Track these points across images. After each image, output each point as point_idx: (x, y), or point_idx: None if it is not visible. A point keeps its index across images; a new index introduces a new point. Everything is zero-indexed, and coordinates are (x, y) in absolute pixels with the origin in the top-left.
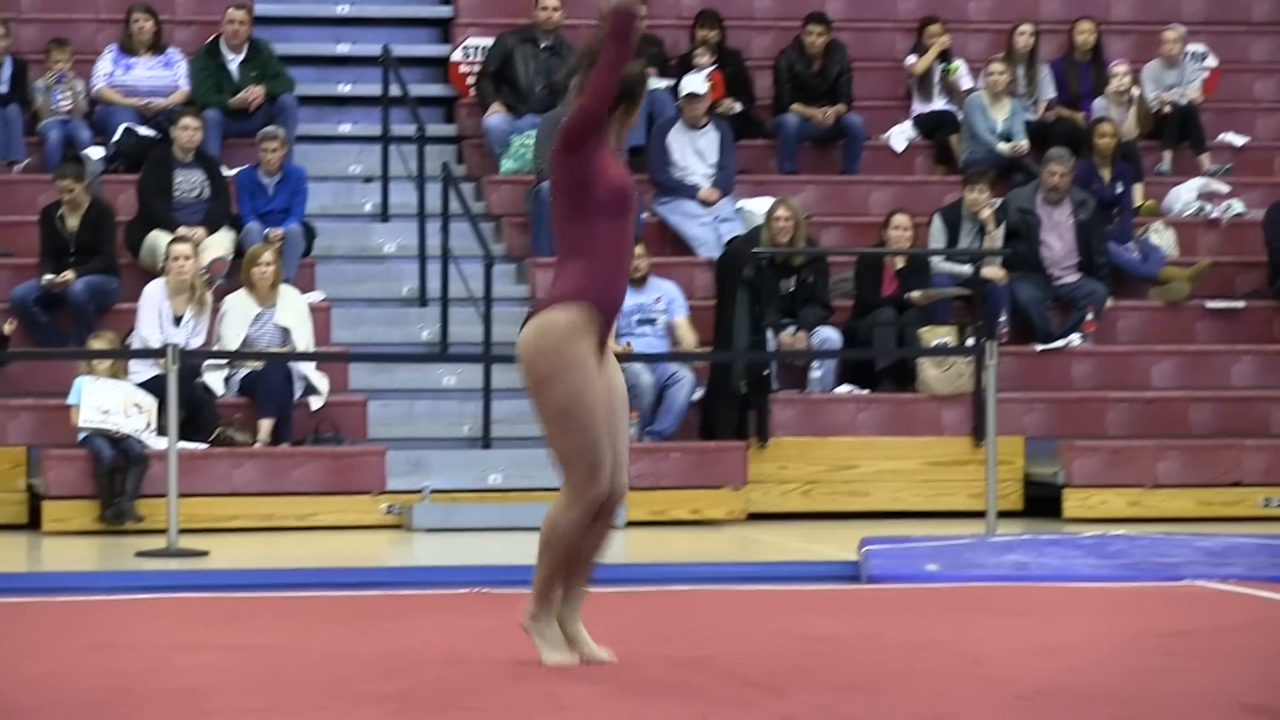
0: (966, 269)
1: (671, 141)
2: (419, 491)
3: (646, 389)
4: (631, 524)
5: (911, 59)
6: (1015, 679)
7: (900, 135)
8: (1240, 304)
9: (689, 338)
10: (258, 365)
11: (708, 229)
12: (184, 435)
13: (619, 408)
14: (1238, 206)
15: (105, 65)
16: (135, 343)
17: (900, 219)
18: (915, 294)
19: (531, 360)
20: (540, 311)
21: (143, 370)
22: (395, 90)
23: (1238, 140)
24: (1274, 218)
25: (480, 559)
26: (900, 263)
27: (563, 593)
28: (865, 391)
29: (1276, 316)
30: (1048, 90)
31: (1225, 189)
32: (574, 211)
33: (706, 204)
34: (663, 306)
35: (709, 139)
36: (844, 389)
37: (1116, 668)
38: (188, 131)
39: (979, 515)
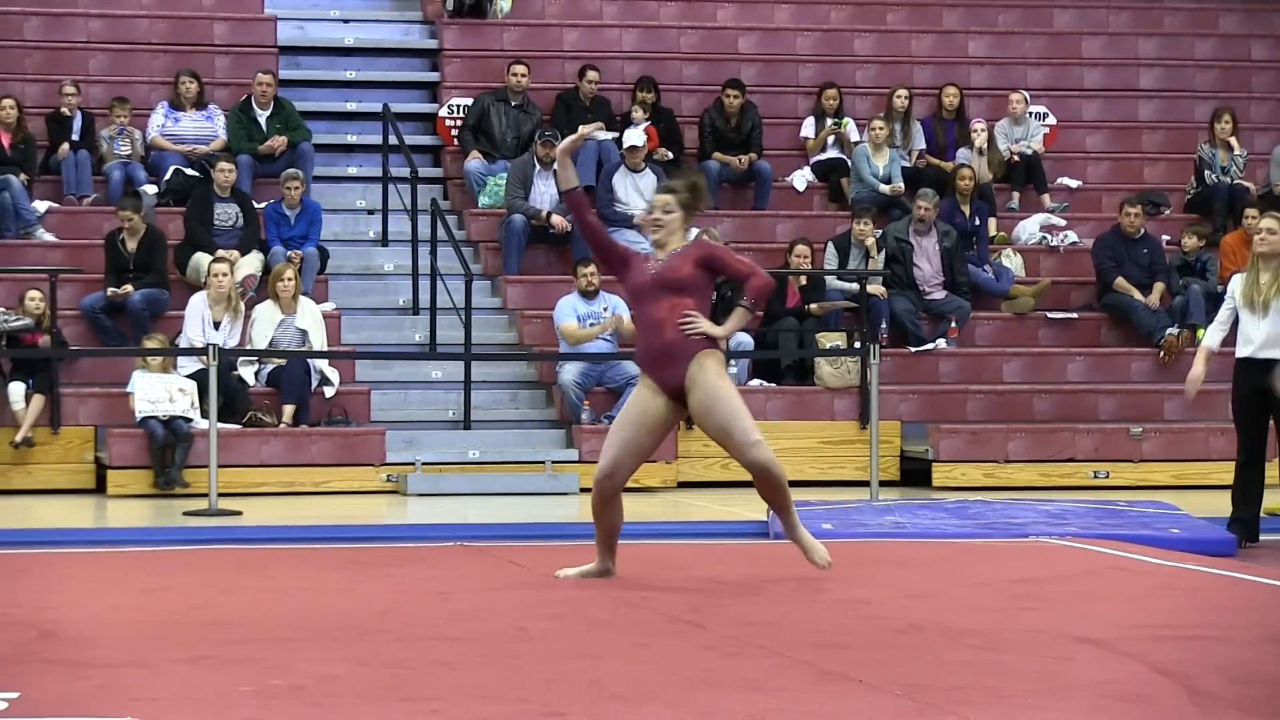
0: (854, 286)
1: (616, 183)
2: (412, 464)
3: (570, 385)
4: (584, 491)
5: (809, 131)
6: (893, 616)
7: (801, 178)
8: (1074, 315)
9: (630, 327)
10: (282, 361)
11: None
12: (222, 418)
13: (701, 415)
14: (1072, 237)
15: (158, 118)
16: (182, 343)
17: (801, 248)
18: (813, 306)
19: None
20: None
21: (188, 365)
22: (393, 140)
23: (1072, 183)
24: (1101, 246)
25: (461, 519)
26: (801, 281)
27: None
28: (772, 385)
29: (1103, 325)
30: (919, 142)
31: (1062, 223)
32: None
33: (638, 235)
34: (609, 313)
35: (647, 180)
36: (755, 383)
37: (975, 607)
38: (225, 173)
39: (864, 484)
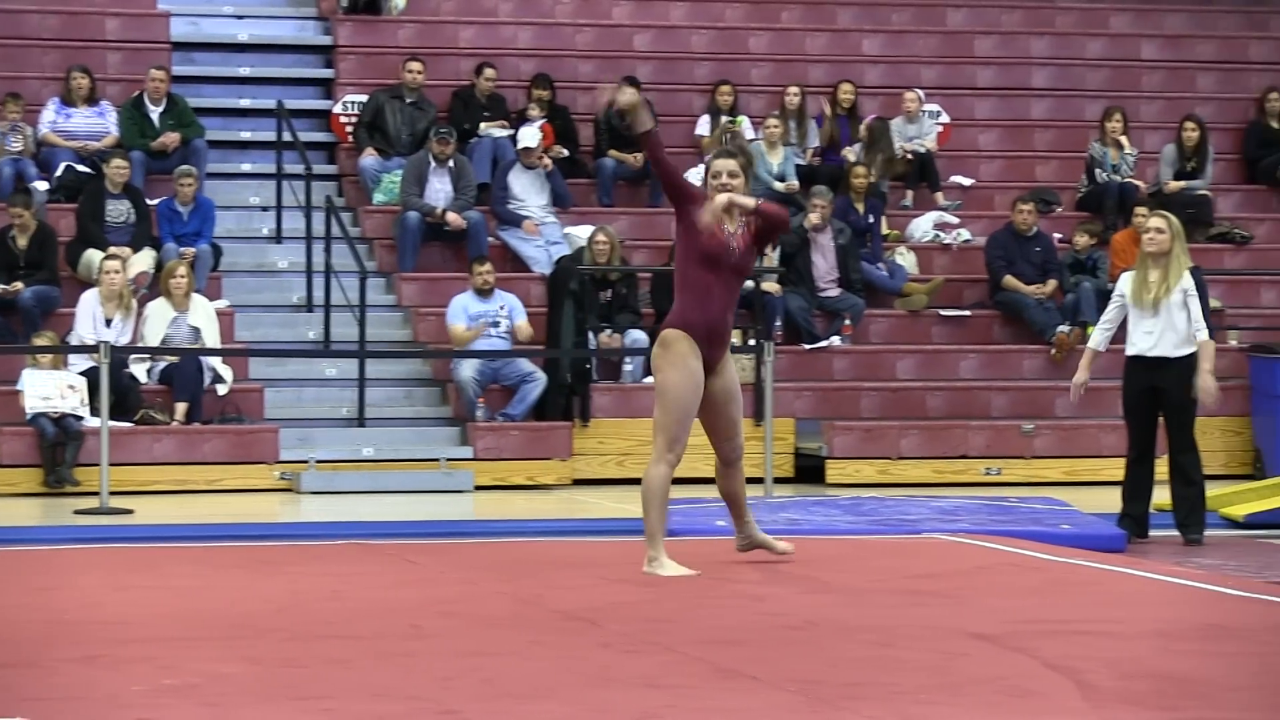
0: (748, 284)
1: (511, 180)
2: (306, 462)
3: (468, 382)
4: (479, 488)
5: (704, 129)
6: (789, 613)
7: (695, 175)
8: (967, 312)
9: (528, 332)
10: (174, 359)
11: (541, 250)
12: (113, 415)
13: (725, 400)
14: (965, 235)
15: (49, 114)
16: (73, 340)
17: None
18: None
19: (655, 359)
20: (661, 330)
21: (80, 363)
22: (287, 136)
23: (965, 181)
24: (993, 244)
25: (356, 517)
26: None
27: (736, 525)
28: None
29: (995, 322)
30: (813, 140)
31: (955, 220)
32: (680, 264)
33: (529, 235)
34: (506, 313)
35: (541, 178)
36: (650, 379)
37: (870, 603)
38: (117, 169)
39: (759, 481)
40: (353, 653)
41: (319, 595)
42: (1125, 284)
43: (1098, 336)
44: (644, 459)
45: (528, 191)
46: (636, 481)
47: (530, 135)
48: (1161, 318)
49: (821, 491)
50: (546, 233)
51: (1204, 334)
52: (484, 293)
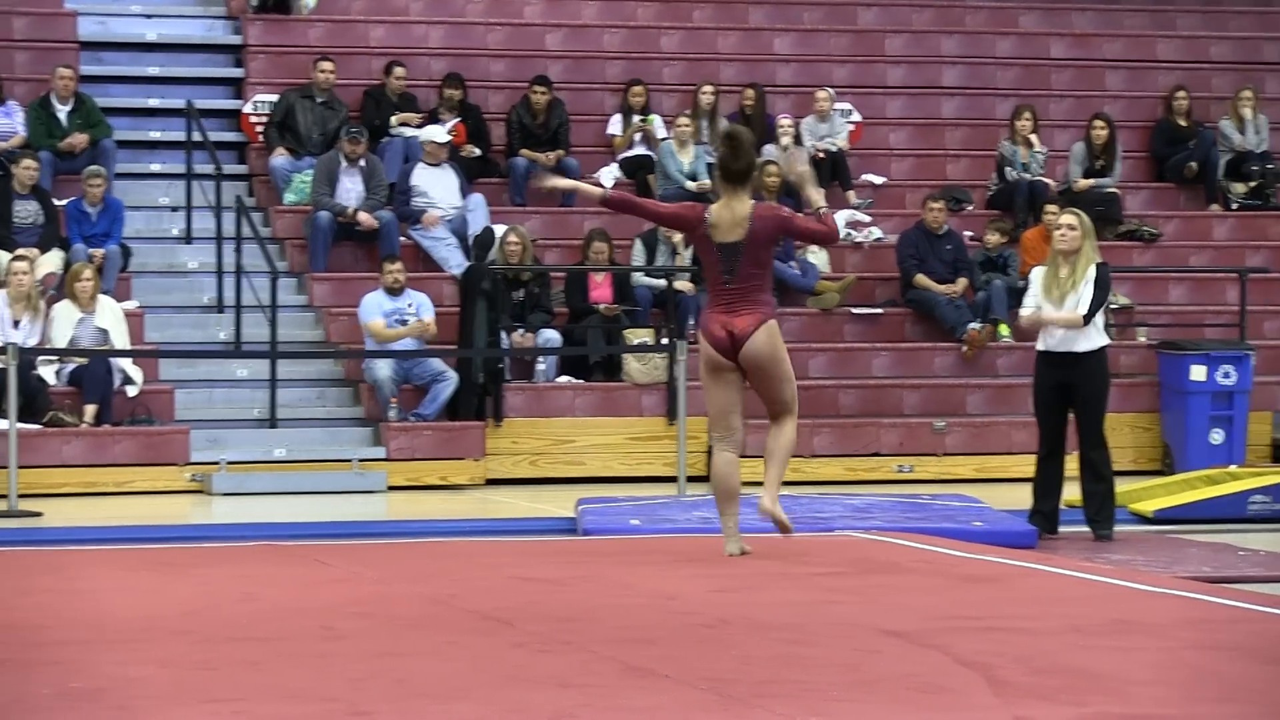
0: (662, 282)
1: (416, 178)
2: (217, 463)
3: (386, 381)
4: (392, 489)
5: (616, 128)
6: (701, 611)
7: (608, 174)
8: (879, 310)
9: (430, 331)
10: (83, 361)
11: (453, 250)
12: (22, 418)
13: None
14: (877, 233)
15: None
16: None
17: (598, 244)
18: (602, 305)
19: (774, 347)
20: (766, 320)
21: None
22: (197, 136)
23: (877, 180)
24: (904, 242)
25: (267, 518)
26: (599, 276)
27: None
28: (580, 381)
29: (907, 320)
30: None
31: (867, 219)
32: (769, 264)
33: (429, 227)
34: (414, 310)
35: (447, 176)
36: (563, 379)
37: (782, 601)
38: (25, 170)
39: (672, 480)
40: (264, 654)
41: (230, 597)
42: (1036, 279)
43: (1030, 305)
44: (556, 458)
45: (434, 187)
46: (550, 481)
47: (437, 132)
48: (1067, 311)
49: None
50: (472, 221)
51: (1082, 310)
52: (394, 291)
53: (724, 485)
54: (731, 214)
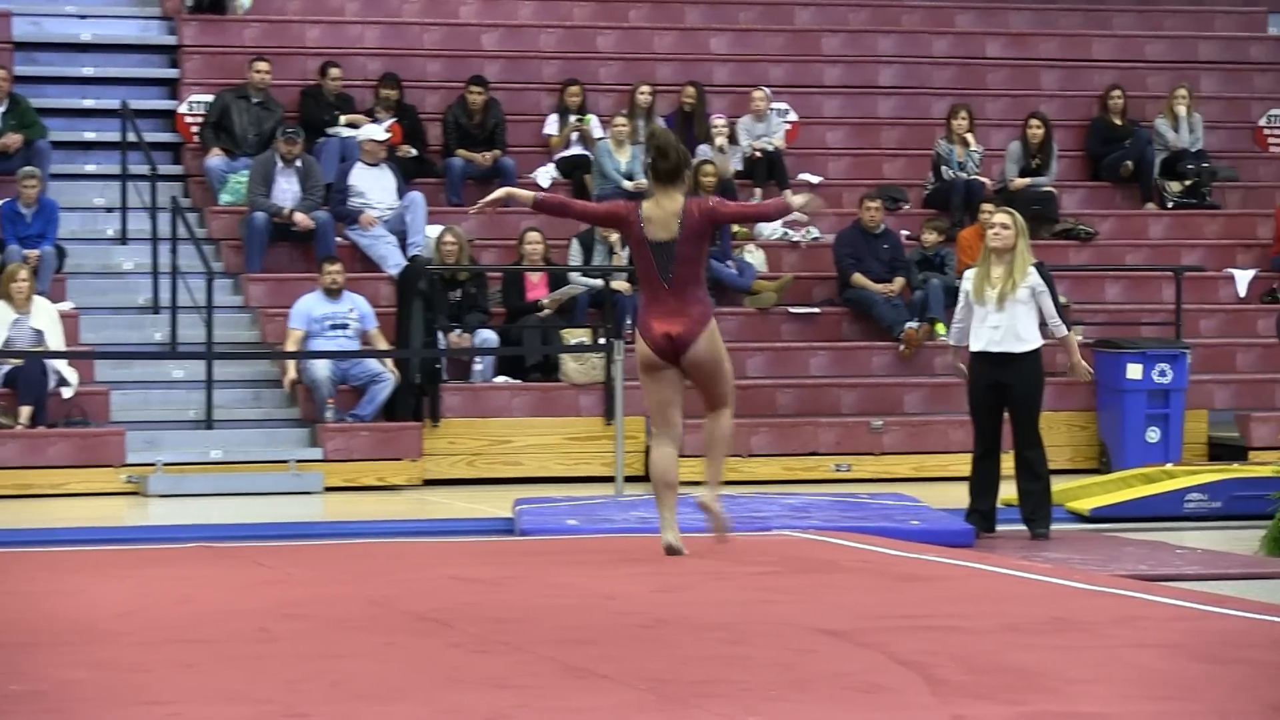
0: (598, 282)
1: (354, 178)
2: (153, 465)
3: (323, 381)
4: (329, 490)
5: (552, 128)
6: (639, 611)
7: (545, 174)
8: (816, 310)
9: (382, 345)
10: (18, 362)
11: (391, 248)
12: None
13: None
14: (814, 232)
15: None
16: None
17: (532, 235)
18: (544, 300)
19: (715, 349)
20: (706, 322)
21: None
22: (132, 137)
23: (814, 179)
24: (841, 242)
25: (204, 520)
26: (534, 278)
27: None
28: (518, 381)
29: (844, 319)
30: None
31: (804, 218)
32: (704, 260)
33: (367, 228)
34: (355, 316)
35: (385, 176)
36: (500, 379)
37: (719, 601)
38: None
39: (610, 480)
40: (201, 657)
41: (166, 599)
42: (969, 279)
43: (954, 334)
44: (493, 459)
45: (371, 188)
46: (487, 481)
47: (377, 132)
48: (1006, 313)
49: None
50: (410, 220)
51: (1062, 328)
52: (332, 293)
53: (662, 479)
54: (663, 211)
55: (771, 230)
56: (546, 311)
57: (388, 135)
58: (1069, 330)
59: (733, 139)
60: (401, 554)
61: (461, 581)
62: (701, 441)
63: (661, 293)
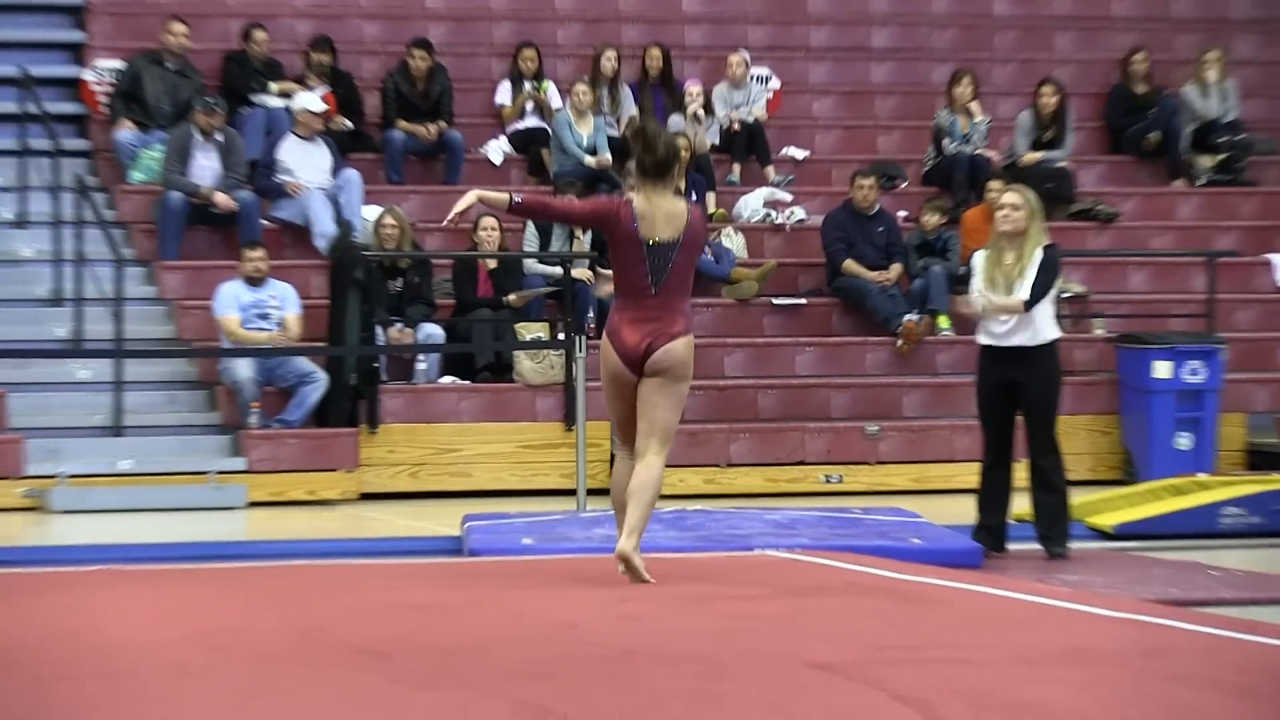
0: (557, 270)
1: (284, 153)
2: (55, 477)
3: (246, 383)
4: (253, 504)
5: (505, 97)
6: (603, 642)
7: (496, 149)
8: (802, 301)
9: (295, 330)
10: None
11: (325, 210)
12: None
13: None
14: (800, 213)
15: None
16: None
17: (488, 220)
18: (511, 296)
19: (687, 362)
20: (686, 334)
21: None
22: (32, 108)
23: (799, 154)
24: (831, 224)
25: (112, 539)
26: (491, 262)
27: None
28: (466, 382)
29: (834, 312)
30: (629, 108)
31: (788, 198)
32: (693, 270)
33: (295, 195)
34: (278, 303)
35: (319, 151)
36: (447, 380)
37: (694, 631)
38: None
39: (570, 493)
40: (106, 694)
41: (68, 628)
42: (978, 264)
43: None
44: (439, 469)
45: (303, 164)
46: (432, 495)
47: (309, 99)
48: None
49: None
50: (345, 201)
51: (1023, 295)
52: (255, 281)
53: (621, 498)
54: (660, 210)
55: (751, 211)
56: (517, 295)
57: (325, 106)
58: (1028, 310)
59: (708, 109)
60: (335, 577)
61: (403, 608)
62: (681, 454)
63: (645, 300)
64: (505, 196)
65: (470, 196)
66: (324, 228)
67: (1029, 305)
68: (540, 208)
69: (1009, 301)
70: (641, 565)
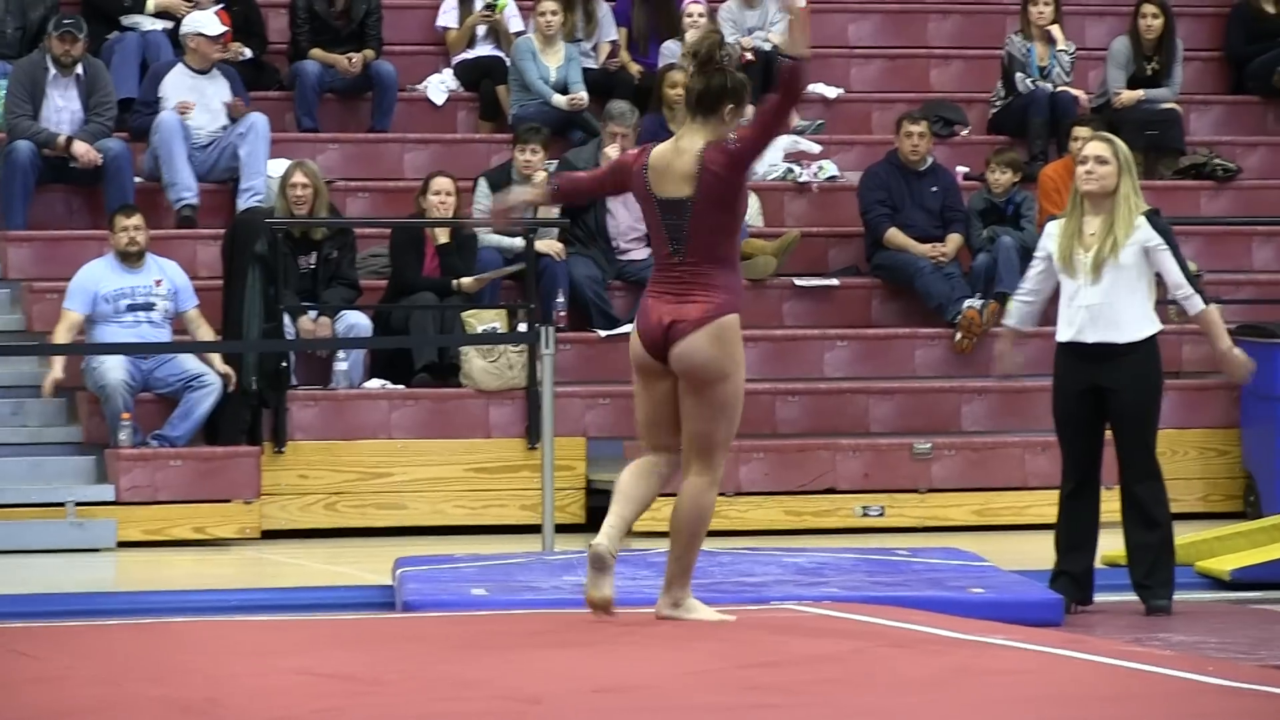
0: (518, 243)
1: (169, 87)
2: None
3: (118, 387)
4: (124, 545)
5: (449, 19)
6: None
7: (439, 86)
8: (834, 282)
9: (206, 333)
10: None
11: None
12: None
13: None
14: (830, 169)
15: None
16: None
17: (442, 182)
18: (463, 281)
19: (717, 359)
20: (714, 318)
21: None
22: None
23: (830, 92)
24: (870, 183)
25: None
26: (442, 236)
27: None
28: (400, 387)
29: (875, 296)
30: (608, 33)
31: (816, 149)
32: (733, 228)
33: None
34: (165, 291)
35: (216, 85)
36: (375, 384)
37: (693, 705)
38: None
39: (534, 530)
40: None
41: None
42: (1052, 237)
43: (1017, 311)
44: (364, 500)
45: (197, 108)
46: (354, 533)
47: (203, 19)
48: (1104, 287)
49: (625, 543)
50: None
51: (1197, 301)
52: (130, 259)
53: (627, 489)
54: (677, 158)
55: (769, 166)
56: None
57: (225, 28)
58: (1207, 304)
59: None
60: (229, 638)
61: (316, 678)
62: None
63: (671, 268)
64: (542, 188)
65: (520, 197)
66: (251, 180)
67: (1205, 299)
68: (575, 186)
69: (1218, 325)
70: (698, 615)
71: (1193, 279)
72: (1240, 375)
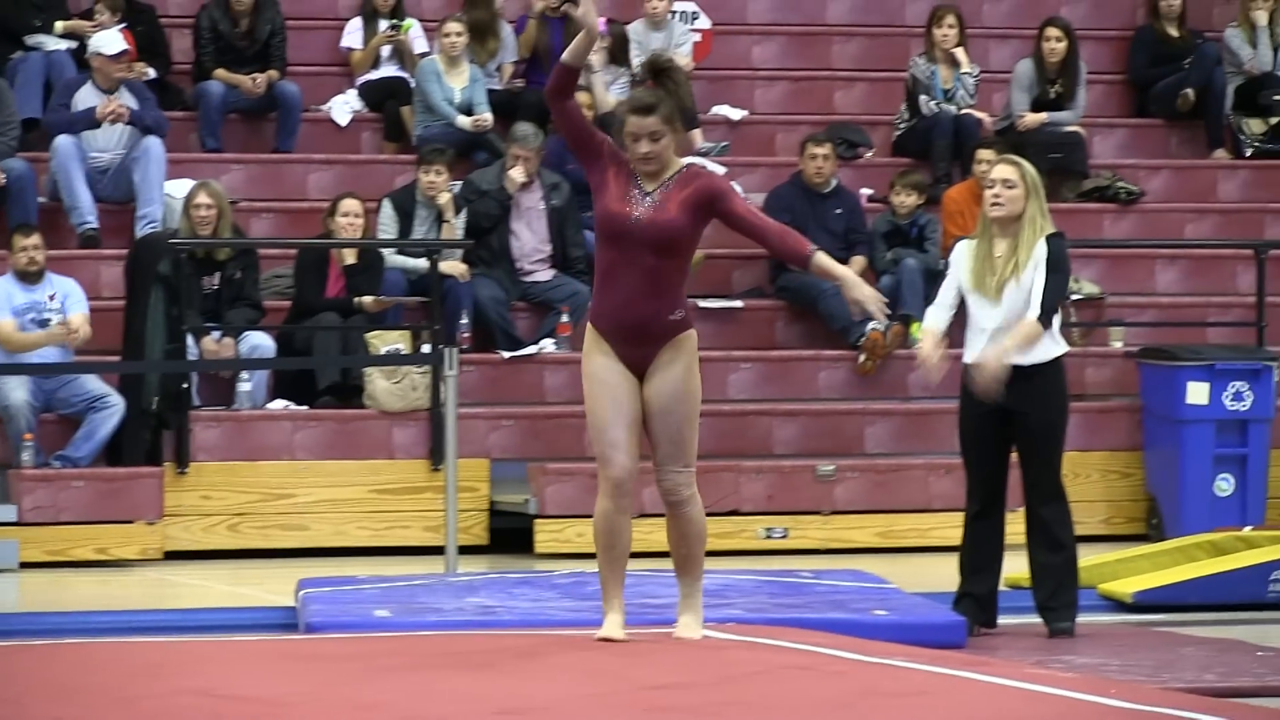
0: (422, 263)
1: (82, 105)
2: None
3: (21, 408)
4: (26, 566)
5: (354, 39)
6: None
7: (343, 106)
8: (738, 304)
9: (85, 331)
10: None
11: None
12: None
13: (654, 413)
14: (736, 190)
15: None
16: None
17: (350, 204)
18: (367, 300)
19: (693, 369)
20: (681, 334)
21: None
22: None
23: (734, 114)
24: (775, 204)
25: None
26: (349, 257)
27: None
28: (303, 408)
29: (778, 318)
30: (510, 54)
31: (721, 170)
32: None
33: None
34: (58, 305)
35: (125, 100)
36: (278, 404)
37: None
38: None
39: (438, 551)
40: None
41: None
42: (961, 259)
43: (935, 316)
44: (267, 521)
45: (104, 128)
46: (256, 554)
47: (107, 40)
48: (1007, 308)
49: (529, 564)
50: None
51: (1034, 314)
52: (30, 277)
53: (607, 540)
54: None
55: None
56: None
57: (126, 47)
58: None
59: (617, 56)
60: (132, 660)
61: (217, 701)
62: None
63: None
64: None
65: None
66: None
67: (1045, 320)
68: (572, 80)
69: (1023, 332)
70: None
71: (1056, 299)
72: (979, 376)
